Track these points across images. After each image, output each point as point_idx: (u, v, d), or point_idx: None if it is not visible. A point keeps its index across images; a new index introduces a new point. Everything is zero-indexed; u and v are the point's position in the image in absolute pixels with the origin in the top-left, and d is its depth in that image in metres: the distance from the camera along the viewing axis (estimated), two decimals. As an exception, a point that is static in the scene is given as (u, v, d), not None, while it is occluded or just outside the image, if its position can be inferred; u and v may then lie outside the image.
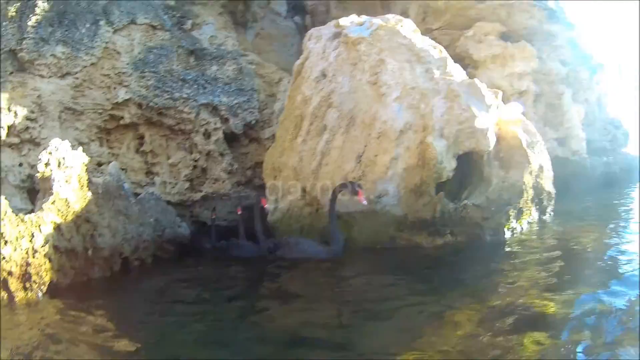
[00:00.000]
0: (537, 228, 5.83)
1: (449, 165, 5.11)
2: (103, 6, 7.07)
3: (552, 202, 6.39)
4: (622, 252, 4.39)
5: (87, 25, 6.78)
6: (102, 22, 6.91)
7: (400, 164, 5.22)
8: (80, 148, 4.99)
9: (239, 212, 6.52)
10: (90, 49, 6.69)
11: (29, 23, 6.29)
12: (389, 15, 6.30)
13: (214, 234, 6.48)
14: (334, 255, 4.99)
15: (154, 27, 7.53)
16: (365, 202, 4.85)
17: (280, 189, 6.42)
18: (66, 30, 6.59)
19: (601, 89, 10.24)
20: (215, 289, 4.45)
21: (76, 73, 6.59)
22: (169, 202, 6.85)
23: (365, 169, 5.45)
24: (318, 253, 5.05)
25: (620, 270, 3.80)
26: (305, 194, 6.06)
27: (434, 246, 5.11)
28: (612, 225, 5.96)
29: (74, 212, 4.51)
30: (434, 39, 8.37)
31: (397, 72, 5.47)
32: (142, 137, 7.28)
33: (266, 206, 6.10)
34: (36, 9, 6.43)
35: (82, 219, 4.63)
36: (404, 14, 8.60)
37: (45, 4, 6.54)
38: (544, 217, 6.17)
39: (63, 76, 6.51)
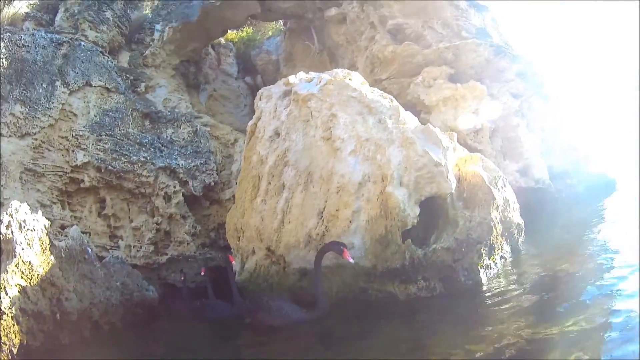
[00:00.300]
0: (511, 261, 5.77)
1: (413, 212, 5.03)
2: (59, 66, 7.08)
3: (523, 233, 6.36)
4: (601, 278, 4.34)
5: (44, 85, 6.78)
6: (58, 83, 6.94)
7: (363, 216, 5.14)
8: (40, 212, 4.84)
9: (202, 273, 6.43)
10: (47, 109, 6.69)
11: None
12: (338, 70, 6.36)
13: (186, 295, 6.39)
14: (318, 318, 4.69)
15: (108, 90, 7.57)
16: (351, 260, 4.59)
17: (245, 249, 6.29)
18: (24, 90, 6.59)
19: (556, 115, 10.46)
20: (191, 351, 4.37)
21: (35, 134, 6.54)
22: (135, 266, 6.74)
23: (328, 224, 5.34)
24: (301, 319, 4.71)
25: (600, 300, 3.75)
26: (270, 253, 5.92)
27: (407, 294, 4.96)
28: (586, 250, 5.93)
29: (38, 275, 4.39)
30: (383, 88, 8.55)
31: (349, 125, 5.46)
32: (103, 201, 7.20)
33: (233, 263, 6.00)
34: None
35: (47, 283, 4.49)
36: (353, 66, 8.77)
37: (4, 61, 6.49)
38: (517, 250, 6.11)
39: (22, 136, 6.46)
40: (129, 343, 4.88)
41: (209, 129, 8.32)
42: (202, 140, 8.04)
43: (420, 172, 5.07)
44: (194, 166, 7.74)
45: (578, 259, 5.41)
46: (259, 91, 6.87)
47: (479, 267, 5.10)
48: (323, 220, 5.42)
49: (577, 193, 9.99)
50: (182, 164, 7.65)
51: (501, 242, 5.77)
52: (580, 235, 6.92)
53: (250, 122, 6.65)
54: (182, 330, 5.52)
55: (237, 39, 11.93)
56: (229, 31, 11.13)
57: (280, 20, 11.51)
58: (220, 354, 4.38)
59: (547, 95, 9.61)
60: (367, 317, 4.69)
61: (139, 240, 7.29)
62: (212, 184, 7.82)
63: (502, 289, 4.64)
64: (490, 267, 5.33)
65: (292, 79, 6.33)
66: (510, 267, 5.51)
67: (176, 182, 7.57)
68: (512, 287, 4.63)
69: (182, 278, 6.70)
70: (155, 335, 5.21)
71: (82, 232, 6.46)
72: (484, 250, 5.25)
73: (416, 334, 3.91)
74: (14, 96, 6.45)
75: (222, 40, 11.01)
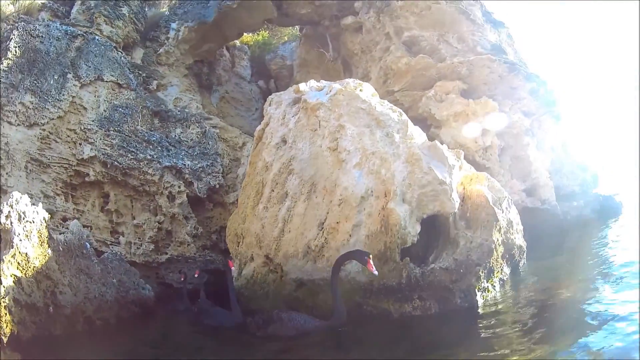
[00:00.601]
0: (510, 285, 5.70)
1: (413, 230, 4.99)
2: (71, 59, 7.13)
3: (524, 255, 6.29)
4: (600, 304, 4.29)
5: (55, 77, 6.83)
6: (69, 75, 6.98)
7: (363, 230, 5.10)
8: (41, 204, 4.90)
9: (196, 275, 6.51)
10: (57, 101, 6.73)
11: (1, 66, 6.29)
12: (349, 80, 6.33)
13: (185, 296, 6.32)
14: (337, 328, 4.58)
15: (119, 85, 7.61)
16: (375, 272, 4.43)
17: (244, 255, 6.28)
18: (35, 80, 6.63)
19: (566, 135, 10.40)
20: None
21: (43, 124, 6.58)
22: (134, 263, 6.80)
23: (328, 236, 5.32)
24: (317, 328, 4.57)
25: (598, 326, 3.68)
26: (269, 261, 5.90)
27: (401, 312, 4.91)
28: (588, 275, 5.83)
29: (34, 267, 4.44)
30: (395, 100, 8.54)
31: (356, 137, 5.44)
32: (107, 196, 7.23)
33: (233, 269, 5.94)
34: (9, 52, 6.43)
35: (42, 275, 4.54)
36: (366, 77, 8.75)
37: (17, 50, 6.54)
38: (517, 273, 6.04)
39: (30, 126, 6.49)
40: (120, 341, 4.88)
41: (218, 131, 8.32)
42: (210, 142, 8.04)
43: (424, 190, 5.03)
44: (200, 167, 7.74)
45: (578, 285, 5.33)
46: (269, 97, 6.86)
47: (476, 290, 5.04)
48: (323, 232, 5.39)
49: (583, 215, 9.91)
50: (188, 165, 7.67)
51: (501, 264, 5.71)
52: (583, 260, 6.84)
53: (259, 128, 6.64)
54: (176, 333, 5.50)
55: (252, 42, 11.95)
56: (245, 34, 11.14)
57: (297, 26, 11.50)
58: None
59: (559, 115, 9.54)
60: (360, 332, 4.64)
61: (139, 238, 7.31)
62: (217, 186, 7.82)
63: (496, 313, 4.57)
64: (488, 290, 5.26)
65: (302, 86, 6.31)
66: (508, 291, 5.44)
67: (181, 182, 7.58)
68: (506, 312, 4.57)
69: (182, 279, 6.68)
70: (148, 335, 5.20)
71: (84, 226, 6.55)
72: (482, 272, 5.19)
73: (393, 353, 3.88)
74: (25, 86, 6.50)
75: (237, 42, 11.02)
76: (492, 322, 4.27)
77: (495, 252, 5.47)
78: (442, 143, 7.93)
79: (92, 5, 8.12)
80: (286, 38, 12.69)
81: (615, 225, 9.39)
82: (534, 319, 4.14)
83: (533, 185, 8.60)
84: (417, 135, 5.65)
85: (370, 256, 4.46)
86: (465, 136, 7.91)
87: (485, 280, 5.30)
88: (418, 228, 5.06)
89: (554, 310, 4.42)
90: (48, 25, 7.24)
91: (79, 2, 8.17)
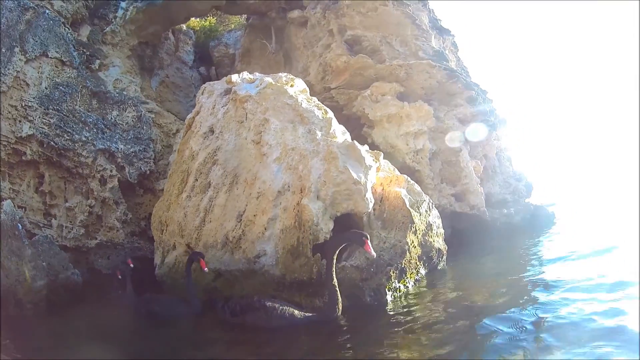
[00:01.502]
0: (425, 286, 5.85)
1: (326, 227, 5.09)
2: (20, 32, 6.91)
3: (444, 258, 6.48)
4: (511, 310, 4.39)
5: (3, 50, 6.63)
6: (17, 49, 6.79)
7: (278, 224, 5.17)
8: None
9: (131, 265, 6.40)
10: (3, 75, 6.55)
11: None
12: (282, 74, 6.36)
13: (130, 285, 6.05)
14: (328, 319, 4.50)
15: (63, 63, 7.44)
16: (373, 254, 4.52)
17: (167, 243, 6.26)
18: None
19: (501, 144, 10.70)
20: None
21: None
22: (65, 247, 6.69)
23: (245, 228, 5.36)
24: (309, 320, 4.41)
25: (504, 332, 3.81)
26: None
27: (312, 307, 5.00)
28: (503, 283, 5.86)
29: None
30: (331, 97, 8.62)
31: (279, 132, 5.49)
32: (42, 176, 7.07)
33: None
34: None
35: None
36: (305, 71, 8.78)
37: None
38: (435, 274, 6.21)
39: None
40: (51, 326, 4.86)
41: (153, 116, 8.21)
42: (144, 127, 7.93)
43: (339, 188, 5.13)
44: (132, 152, 7.63)
45: (492, 291, 5.42)
46: (203, 85, 6.85)
47: (387, 289, 5.18)
48: (241, 224, 5.44)
49: (512, 223, 10.19)
50: (121, 149, 7.55)
51: (417, 265, 5.87)
52: (504, 265, 7.03)
53: (189, 116, 6.62)
54: (109, 319, 5.41)
55: (198, 28, 11.80)
56: (192, 19, 11.00)
57: (244, 15, 11.42)
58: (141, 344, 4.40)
59: (495, 124, 9.80)
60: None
61: (71, 222, 7.17)
62: (148, 172, 7.73)
63: (405, 313, 4.65)
64: (400, 290, 5.41)
65: (234, 77, 6.32)
66: (421, 292, 5.58)
67: (113, 166, 7.46)
68: (415, 311, 4.66)
69: (120, 276, 6.44)
70: (79, 320, 5.13)
71: (19, 207, 6.42)
72: (394, 272, 5.34)
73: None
74: (-28, 58, 6.30)
75: (184, 26, 10.87)
76: (399, 320, 4.37)
77: (408, 254, 5.62)
78: (373, 143, 8.14)
79: (46, -23, 7.84)
80: (233, 26, 12.59)
81: (543, 235, 9.69)
82: (440, 319, 4.24)
83: (463, 190, 8.82)
84: (340, 134, 5.75)
85: (368, 237, 4.55)
86: (395, 138, 8.05)
87: (396, 281, 5.44)
88: (331, 225, 5.16)
89: (463, 311, 4.52)
90: (3, -4, 6.99)
91: (34, -26, 7.88)
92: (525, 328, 3.75)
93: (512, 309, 4.33)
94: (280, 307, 4.50)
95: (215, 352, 4.03)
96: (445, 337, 3.76)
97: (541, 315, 4.04)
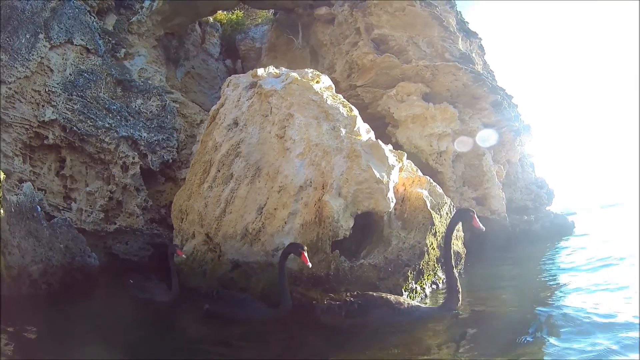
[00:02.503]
0: (441, 289, 5.79)
1: (346, 224, 5.08)
2: (45, 19, 7.05)
3: (462, 262, 6.43)
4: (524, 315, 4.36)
5: (27, 36, 6.76)
6: (41, 36, 6.92)
7: (298, 219, 5.18)
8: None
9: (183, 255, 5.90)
10: (26, 60, 6.68)
11: None
12: (308, 70, 6.37)
13: (176, 278, 5.49)
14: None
15: (88, 50, 7.56)
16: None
17: (186, 231, 6.32)
18: (7, 37, 6.58)
19: (525, 150, 10.60)
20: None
21: (10, 83, 6.53)
22: (83, 230, 6.80)
23: (265, 221, 5.38)
24: (431, 313, 4.24)
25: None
26: (209, 240, 5.95)
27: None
28: (519, 292, 5.78)
29: None
30: (357, 95, 8.60)
31: (303, 127, 5.49)
32: (63, 161, 7.21)
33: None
34: None
35: None
36: (331, 68, 8.78)
37: None
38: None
39: None
40: (63, 307, 4.87)
41: (177, 105, 8.30)
42: (168, 116, 8.02)
43: (360, 186, 5.12)
44: (155, 140, 7.73)
45: (506, 298, 5.41)
46: (228, 78, 6.87)
47: (403, 290, 5.16)
48: (262, 217, 5.45)
49: (532, 231, 10.10)
50: (144, 137, 7.65)
51: (435, 268, 5.84)
52: (521, 275, 6.94)
53: (214, 107, 6.65)
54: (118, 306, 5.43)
55: (225, 21, 11.84)
56: (219, 12, 11.05)
57: (271, 10, 11.44)
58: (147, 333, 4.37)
59: (519, 130, 9.70)
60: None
61: (91, 206, 7.29)
62: (171, 161, 7.82)
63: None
64: (416, 292, 5.39)
65: (260, 71, 6.34)
66: (435, 295, 5.55)
67: (136, 153, 7.56)
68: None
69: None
70: (92, 305, 5.17)
71: (39, 189, 6.55)
72: (411, 273, 5.32)
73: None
74: (-3, 42, 6.42)
75: (211, 19, 10.93)
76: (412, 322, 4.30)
77: (427, 255, 5.59)
78: (397, 143, 8.11)
79: (72, -34, 7.96)
80: (260, 20, 12.61)
81: (561, 244, 9.57)
82: (449, 322, 4.20)
83: (484, 194, 8.76)
84: (364, 132, 5.73)
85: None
86: (419, 138, 8.01)
87: (413, 282, 5.42)
88: (351, 223, 5.15)
89: (474, 316, 4.48)
90: (27, -17, 7.11)
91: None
92: (536, 335, 3.71)
93: (525, 316, 4.28)
94: (404, 301, 4.26)
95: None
96: (451, 340, 3.73)
97: (553, 322, 3.99)
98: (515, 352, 3.39)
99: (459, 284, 4.33)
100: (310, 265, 4.54)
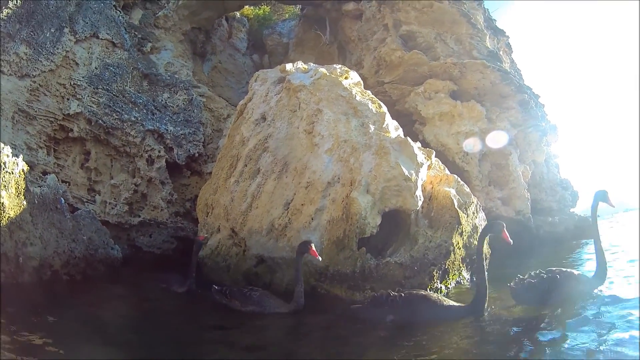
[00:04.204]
0: (465, 290, 5.73)
1: (373, 222, 5.05)
2: (70, 13, 7.10)
3: (487, 262, 6.35)
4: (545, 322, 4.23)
5: (52, 30, 6.81)
6: (66, 30, 6.97)
7: (325, 215, 5.17)
8: (22, 156, 4.90)
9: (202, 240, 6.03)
10: (51, 54, 6.73)
11: (1, 15, 6.25)
12: (337, 66, 6.36)
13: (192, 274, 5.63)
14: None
15: (114, 44, 7.61)
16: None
17: (211, 225, 6.35)
18: (32, 31, 6.61)
19: (551, 151, 10.45)
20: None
21: (34, 76, 6.58)
22: (106, 223, 6.84)
23: (292, 217, 5.38)
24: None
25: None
26: (234, 234, 5.97)
27: (352, 300, 4.96)
28: None
29: (8, 217, 4.48)
30: (384, 92, 8.55)
31: (332, 123, 5.48)
32: (88, 153, 7.26)
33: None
34: (9, 1, 6.40)
35: (15, 226, 4.59)
36: (359, 64, 8.74)
37: (18, 0, 6.51)
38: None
39: (22, 77, 6.48)
40: (84, 296, 4.89)
41: (204, 100, 8.34)
42: (195, 110, 8.06)
43: (389, 184, 5.09)
44: (182, 134, 7.77)
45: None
46: (256, 73, 6.89)
47: (428, 289, 5.12)
48: (288, 212, 5.46)
49: (556, 233, 9.94)
50: (170, 130, 7.69)
51: (460, 267, 5.78)
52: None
53: (241, 102, 6.67)
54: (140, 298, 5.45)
55: (252, 16, 11.87)
56: (246, 7, 11.08)
57: (299, 5, 11.43)
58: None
59: (545, 130, 9.57)
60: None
61: (115, 198, 7.35)
62: (197, 155, 7.86)
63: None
64: (441, 291, 5.34)
65: (288, 66, 6.33)
66: (460, 296, 5.47)
67: (162, 147, 7.60)
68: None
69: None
70: (113, 297, 5.17)
71: (63, 182, 6.60)
72: (437, 273, 5.28)
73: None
74: (21, 36, 6.46)
75: (237, 14, 10.97)
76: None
77: (453, 255, 5.54)
78: (424, 140, 8.04)
79: (98, -40, 8.03)
80: (287, 15, 12.63)
81: (586, 248, 9.40)
82: (470, 324, 4.16)
83: (510, 194, 8.65)
84: (393, 129, 5.70)
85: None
86: (446, 136, 7.94)
87: (439, 281, 5.38)
88: (378, 220, 5.13)
89: (494, 318, 4.45)
90: (51, -23, 7.18)
91: (84, -45, 8.08)
92: (554, 339, 3.64)
93: (544, 322, 4.15)
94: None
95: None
96: (468, 342, 3.67)
97: (571, 324, 3.92)
98: (535, 351, 3.35)
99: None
100: (320, 259, 4.65)
